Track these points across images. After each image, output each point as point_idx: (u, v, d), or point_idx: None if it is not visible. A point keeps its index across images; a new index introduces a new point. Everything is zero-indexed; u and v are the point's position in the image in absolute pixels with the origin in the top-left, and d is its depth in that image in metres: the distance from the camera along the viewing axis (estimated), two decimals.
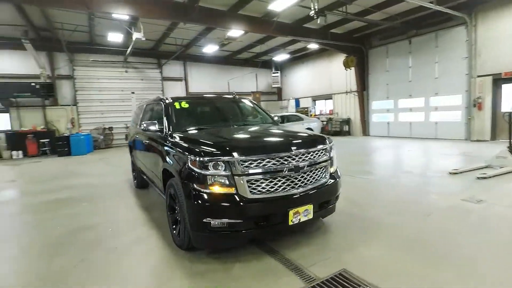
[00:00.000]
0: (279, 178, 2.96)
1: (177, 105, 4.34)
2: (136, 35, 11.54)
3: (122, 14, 9.81)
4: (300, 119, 14.35)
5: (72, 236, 3.94)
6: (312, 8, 9.92)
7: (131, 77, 17.15)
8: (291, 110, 20.27)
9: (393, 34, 13.65)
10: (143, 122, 4.18)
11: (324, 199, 3.33)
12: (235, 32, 12.85)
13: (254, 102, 5.16)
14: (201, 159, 2.83)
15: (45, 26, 12.45)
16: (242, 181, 2.82)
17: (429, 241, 3.28)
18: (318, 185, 3.22)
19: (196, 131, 3.77)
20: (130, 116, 10.19)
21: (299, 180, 3.06)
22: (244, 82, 20.66)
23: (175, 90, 18.63)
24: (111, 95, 16.43)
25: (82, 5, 8.77)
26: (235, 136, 3.58)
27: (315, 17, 10.11)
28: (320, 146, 3.32)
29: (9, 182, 7.85)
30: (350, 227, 3.78)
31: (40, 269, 3.10)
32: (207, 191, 2.81)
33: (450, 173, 6.18)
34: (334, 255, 3.06)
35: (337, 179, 3.50)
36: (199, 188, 2.83)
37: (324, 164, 3.33)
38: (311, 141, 3.34)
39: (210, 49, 16.08)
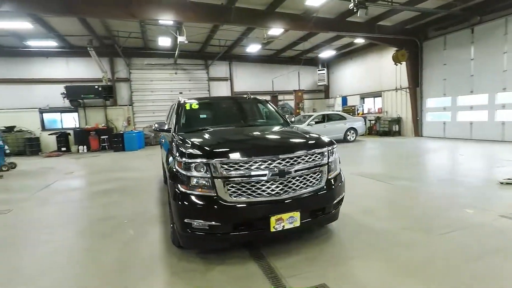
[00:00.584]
0: (262, 182, 2.87)
1: (187, 106, 4.50)
2: (180, 39, 12.21)
3: (165, 20, 10.48)
4: (343, 118, 13.64)
5: (95, 224, 4.40)
6: (352, 0, 9.34)
7: (180, 78, 18.24)
8: (338, 108, 19.45)
9: (452, 23, 12.14)
10: (155, 123, 4.42)
11: (317, 206, 3.13)
12: (275, 30, 12.78)
13: (269, 102, 5.05)
14: (185, 160, 2.89)
15: (105, 35, 13.94)
16: (222, 184, 2.81)
17: (438, 266, 2.82)
18: (308, 191, 3.04)
19: (196, 132, 3.82)
20: None
21: (285, 185, 2.93)
22: (289, 80, 20.44)
23: (221, 89, 19.26)
24: (162, 96, 17.67)
25: (128, 14, 9.60)
26: (226, 138, 3.53)
27: (354, 10, 9.51)
28: (314, 150, 3.12)
29: (68, 174, 8.99)
30: (353, 239, 3.49)
31: (54, 253, 3.50)
32: (189, 192, 2.85)
33: (500, 182, 5.30)
34: (320, 268, 2.86)
35: (336, 186, 3.25)
36: (182, 189, 2.89)
37: (318, 169, 3.13)
38: (303, 145, 3.17)
39: (253, 48, 16.27)
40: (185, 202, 2.85)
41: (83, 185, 7.59)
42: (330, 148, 3.28)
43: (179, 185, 2.93)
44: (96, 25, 12.79)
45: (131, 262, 3.17)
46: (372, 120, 16.49)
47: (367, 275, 2.77)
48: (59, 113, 16.05)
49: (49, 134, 15.21)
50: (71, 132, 15.30)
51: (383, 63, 15.87)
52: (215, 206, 2.79)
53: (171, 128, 4.19)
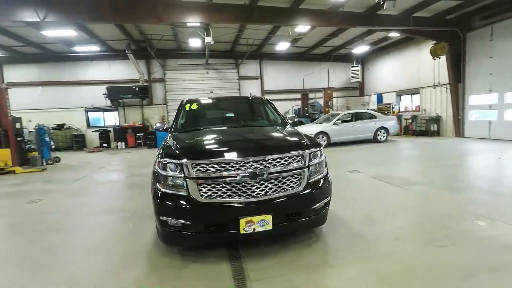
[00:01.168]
0: (233, 184, 2.88)
1: (187, 106, 4.66)
2: (207, 40, 12.55)
3: (190, 22, 10.85)
4: (373, 117, 12.95)
5: (103, 217, 4.80)
6: None
7: (211, 77, 18.74)
8: (373, 106, 18.51)
9: (500, 10, 10.84)
10: (156, 123, 4.64)
11: (293, 210, 3.06)
12: (301, 27, 12.55)
13: (270, 102, 5.01)
14: (161, 160, 3.01)
15: (141, 39, 14.84)
16: (194, 184, 2.88)
17: (418, 282, 2.59)
18: (283, 194, 2.98)
19: (186, 133, 3.92)
20: None
21: (257, 188, 2.91)
22: (321, 78, 19.87)
23: (251, 88, 19.35)
24: (194, 95, 18.22)
25: (156, 18, 10.10)
26: (207, 139, 3.57)
27: (381, 3, 9.00)
28: (291, 153, 3.05)
29: (100, 169, 9.77)
30: (339, 246, 3.35)
31: (56, 242, 3.87)
32: (163, 190, 2.97)
33: None
34: (291, 274, 2.79)
35: (317, 189, 3.15)
36: (159, 187, 3.02)
37: (296, 171, 3.05)
38: (280, 147, 3.12)
39: (282, 46, 16.16)
40: (161, 201, 2.98)
41: (109, 180, 8.21)
42: (312, 150, 3.18)
43: (157, 183, 3.07)
44: (131, 30, 13.69)
45: (121, 254, 3.38)
46: (409, 119, 15.44)
47: (337, 284, 2.66)
48: (102, 112, 17.46)
49: (92, 131, 16.65)
50: (111, 129, 16.56)
51: (422, 57, 14.68)
52: (187, 206, 2.87)
53: (169, 128, 4.36)
